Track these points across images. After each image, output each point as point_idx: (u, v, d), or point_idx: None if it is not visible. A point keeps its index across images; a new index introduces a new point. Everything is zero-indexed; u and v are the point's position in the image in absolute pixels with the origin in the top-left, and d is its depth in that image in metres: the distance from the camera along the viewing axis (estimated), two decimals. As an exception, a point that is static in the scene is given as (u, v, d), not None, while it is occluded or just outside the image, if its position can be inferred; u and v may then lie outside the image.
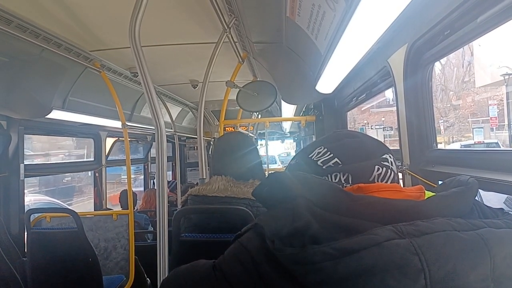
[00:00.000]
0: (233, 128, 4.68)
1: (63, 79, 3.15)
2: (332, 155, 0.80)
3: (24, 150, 3.45)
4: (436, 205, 0.67)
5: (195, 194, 1.89)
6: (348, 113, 3.60)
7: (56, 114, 3.14)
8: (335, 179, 0.77)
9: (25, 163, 3.39)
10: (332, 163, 0.79)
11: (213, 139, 7.61)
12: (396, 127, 1.95)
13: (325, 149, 0.82)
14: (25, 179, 3.38)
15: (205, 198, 1.83)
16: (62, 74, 3.09)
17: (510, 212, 0.70)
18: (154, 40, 2.90)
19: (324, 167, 0.79)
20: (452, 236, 0.61)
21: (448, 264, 0.59)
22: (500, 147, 15.04)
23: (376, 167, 0.77)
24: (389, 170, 0.78)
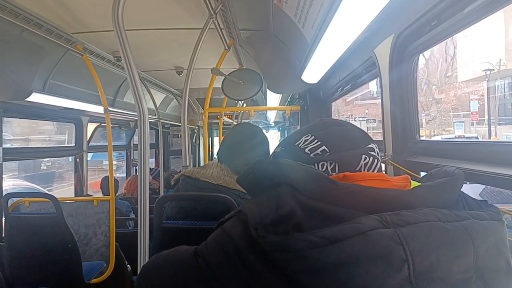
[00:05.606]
0: (219, 117, 4.62)
1: (43, 61, 3.06)
2: (320, 142, 0.79)
3: (4, 134, 3.35)
4: (421, 195, 0.67)
5: (187, 175, 1.87)
6: (333, 104, 3.62)
7: (36, 97, 3.07)
8: (322, 168, 0.76)
9: (3, 146, 3.30)
10: (320, 151, 0.78)
11: (197, 127, 7.57)
12: (379, 119, 1.96)
13: (313, 137, 0.81)
14: (3, 163, 3.29)
15: (197, 182, 1.82)
16: (42, 56, 3.01)
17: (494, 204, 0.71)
18: (138, 24, 2.83)
19: (311, 155, 0.78)
20: (437, 226, 0.61)
21: (431, 255, 0.59)
22: (479, 141, 15.45)
23: (363, 156, 0.77)
24: (375, 160, 0.78)
